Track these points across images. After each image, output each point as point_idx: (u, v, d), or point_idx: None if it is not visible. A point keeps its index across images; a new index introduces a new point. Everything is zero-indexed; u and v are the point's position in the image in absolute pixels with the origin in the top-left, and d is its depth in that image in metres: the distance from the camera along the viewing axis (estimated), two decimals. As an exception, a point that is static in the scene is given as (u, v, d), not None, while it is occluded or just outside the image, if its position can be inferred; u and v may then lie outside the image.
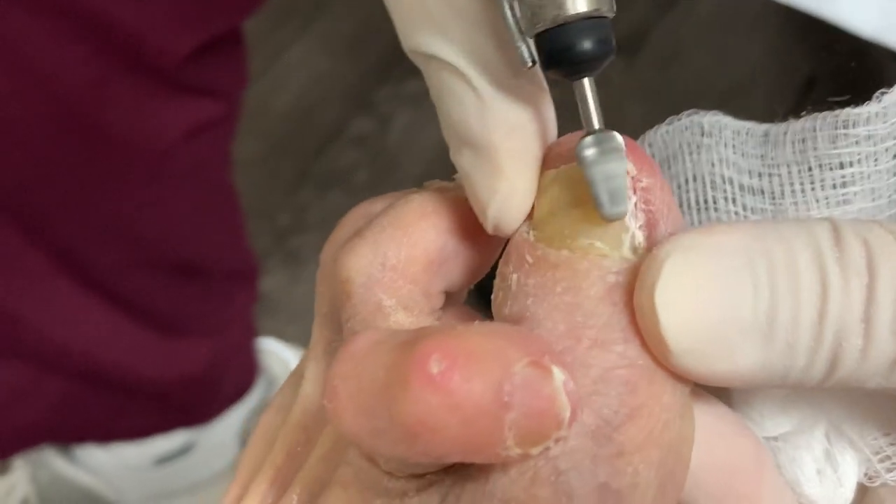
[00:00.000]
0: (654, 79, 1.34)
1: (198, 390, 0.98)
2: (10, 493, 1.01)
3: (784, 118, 0.29)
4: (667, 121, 0.30)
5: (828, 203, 0.28)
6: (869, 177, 0.28)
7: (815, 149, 0.28)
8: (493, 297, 0.27)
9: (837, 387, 0.24)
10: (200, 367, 0.96)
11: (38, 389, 0.92)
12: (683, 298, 0.23)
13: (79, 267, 0.87)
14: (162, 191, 0.85)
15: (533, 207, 0.26)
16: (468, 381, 0.22)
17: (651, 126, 0.30)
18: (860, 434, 0.27)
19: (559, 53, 0.24)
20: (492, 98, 0.26)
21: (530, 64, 0.25)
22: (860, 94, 0.29)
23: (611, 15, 0.24)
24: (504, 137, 0.26)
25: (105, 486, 1.01)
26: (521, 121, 0.26)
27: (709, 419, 0.26)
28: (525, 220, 0.26)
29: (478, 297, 0.31)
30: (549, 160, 0.27)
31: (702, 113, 0.30)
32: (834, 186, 0.28)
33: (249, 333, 1.02)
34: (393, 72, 1.39)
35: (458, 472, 0.25)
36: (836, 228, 0.24)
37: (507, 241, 0.27)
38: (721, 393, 0.27)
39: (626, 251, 0.25)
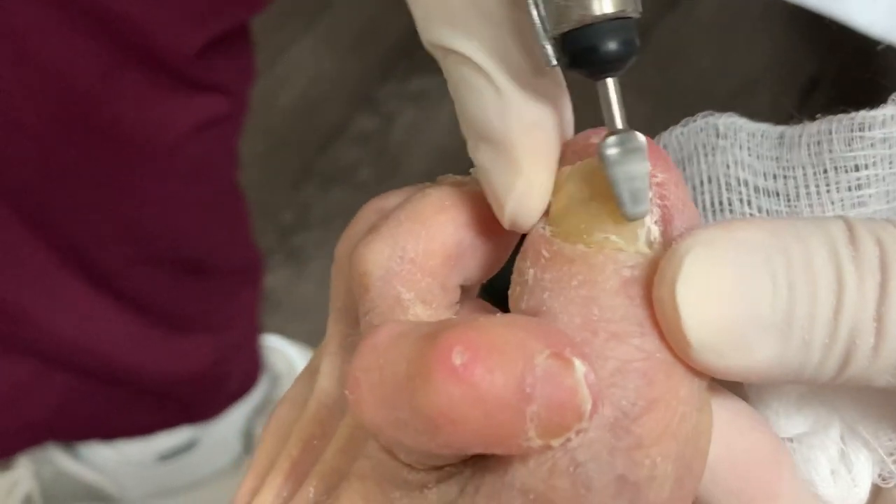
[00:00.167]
0: (656, 78, 1.34)
1: (202, 387, 0.99)
2: (14, 490, 1.01)
3: (791, 116, 0.29)
4: (682, 122, 0.30)
5: (843, 205, 0.28)
6: (884, 179, 0.28)
7: (830, 151, 0.28)
8: (510, 292, 0.27)
9: (847, 384, 0.25)
10: (204, 363, 0.96)
11: (42, 386, 0.92)
12: (704, 294, 0.24)
13: (84, 263, 0.87)
14: (168, 187, 0.85)
15: (549, 203, 0.27)
16: (490, 373, 0.22)
17: (653, 126, 0.30)
18: (874, 434, 0.27)
19: (584, 53, 0.24)
20: (512, 94, 0.26)
21: (554, 63, 0.25)
22: (864, 94, 0.29)
23: (636, 15, 0.24)
24: (523, 134, 0.26)
25: (108, 482, 1.02)
26: (540, 118, 0.26)
27: (727, 414, 0.26)
28: (541, 217, 0.27)
29: (484, 293, 0.31)
30: (564, 157, 0.27)
31: (717, 115, 0.30)
32: (849, 189, 0.28)
33: (253, 330, 1.02)
34: (396, 69, 1.39)
35: (477, 463, 0.25)
36: (850, 227, 0.24)
37: (523, 235, 0.27)
38: (737, 391, 0.27)
39: (642, 245, 0.25)
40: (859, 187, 0.28)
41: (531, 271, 0.26)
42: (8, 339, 0.89)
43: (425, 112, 1.36)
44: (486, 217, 0.28)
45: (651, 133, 0.27)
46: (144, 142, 0.80)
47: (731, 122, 0.29)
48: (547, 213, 0.26)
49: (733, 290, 0.24)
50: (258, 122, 0.98)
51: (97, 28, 0.73)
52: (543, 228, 0.26)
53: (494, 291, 0.31)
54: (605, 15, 0.24)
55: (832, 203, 0.28)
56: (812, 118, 0.29)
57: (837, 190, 0.28)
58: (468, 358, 0.22)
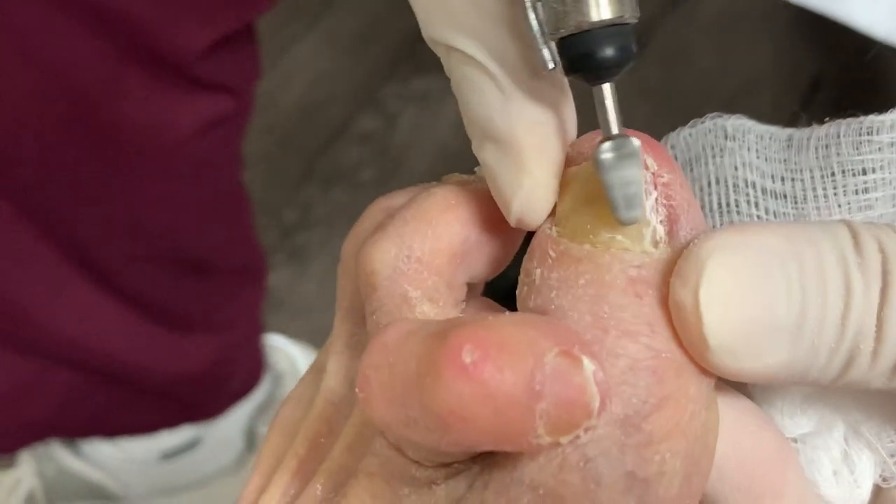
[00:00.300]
0: (658, 79, 1.34)
1: (204, 386, 0.99)
2: (16, 487, 1.01)
3: (794, 115, 0.29)
4: (690, 123, 0.30)
5: (849, 208, 0.28)
6: (891, 183, 0.28)
7: (838, 154, 0.28)
8: (517, 292, 0.27)
9: (844, 387, 0.25)
10: (207, 362, 0.96)
11: (45, 383, 0.92)
12: (724, 297, 0.24)
13: (87, 262, 0.87)
14: (172, 186, 0.85)
15: (555, 204, 0.27)
16: (500, 371, 0.22)
17: (654, 126, 0.30)
18: (878, 436, 0.27)
19: (581, 59, 0.25)
20: (515, 93, 0.26)
21: (551, 67, 0.25)
22: (865, 95, 0.29)
23: (633, 21, 0.25)
24: (527, 132, 0.26)
25: (111, 480, 1.02)
26: (543, 117, 0.26)
27: (734, 413, 0.26)
28: (548, 218, 0.27)
29: (486, 292, 0.31)
30: (569, 158, 0.27)
31: (725, 116, 0.30)
32: (856, 192, 0.28)
33: (256, 330, 1.03)
34: (399, 70, 1.40)
35: (486, 459, 0.25)
36: (854, 233, 0.25)
37: (528, 233, 0.27)
38: (742, 391, 0.27)
39: (648, 245, 0.25)
40: (866, 190, 0.28)
41: (538, 271, 0.26)
42: (10, 338, 0.89)
43: (427, 112, 1.36)
44: (491, 215, 0.28)
45: (653, 133, 0.27)
46: (148, 141, 0.80)
47: (739, 124, 0.30)
48: (553, 213, 0.27)
49: (752, 293, 0.24)
50: (260, 122, 0.98)
51: (101, 27, 0.73)
52: (550, 229, 0.26)
53: (496, 290, 0.31)
54: (602, 21, 0.24)
55: (839, 206, 0.28)
56: (814, 118, 0.30)
57: (845, 193, 0.28)
58: (478, 356, 0.22)
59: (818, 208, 0.29)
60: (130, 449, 1.01)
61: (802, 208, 0.29)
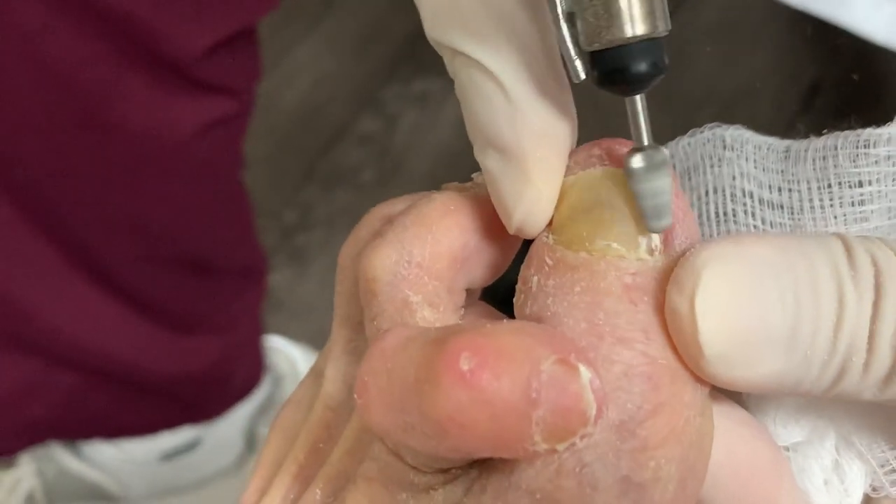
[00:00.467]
0: (658, 83, 1.34)
1: (205, 387, 0.99)
2: (16, 488, 1.01)
3: (793, 122, 0.30)
4: (688, 133, 0.31)
5: (846, 220, 0.29)
6: (887, 195, 0.28)
7: (835, 166, 0.28)
8: (515, 300, 0.27)
9: (836, 398, 0.25)
10: (208, 363, 0.96)
11: (46, 384, 0.92)
12: (720, 306, 0.24)
13: (89, 262, 0.87)
14: (173, 187, 0.85)
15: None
16: (497, 379, 0.22)
17: (655, 130, 0.30)
18: (868, 446, 0.28)
19: (615, 73, 0.25)
20: (523, 104, 0.26)
21: (583, 78, 0.25)
22: (865, 100, 0.29)
23: (665, 33, 0.25)
24: (533, 143, 0.26)
25: (111, 480, 1.02)
26: (551, 129, 0.26)
27: (728, 422, 0.26)
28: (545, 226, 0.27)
29: (483, 297, 0.31)
30: (567, 167, 0.27)
31: (724, 126, 0.30)
32: (852, 204, 0.28)
33: (257, 331, 1.03)
34: (399, 71, 1.40)
35: (484, 464, 0.25)
36: (848, 246, 0.25)
37: (527, 240, 0.28)
38: (736, 400, 0.28)
39: (643, 253, 0.26)
40: (862, 203, 0.28)
41: (535, 278, 0.26)
42: (12, 338, 0.89)
43: (428, 114, 1.36)
44: (490, 220, 0.28)
45: (653, 137, 0.28)
46: (150, 142, 0.80)
47: (738, 135, 0.30)
48: (550, 222, 0.27)
49: (747, 303, 0.24)
50: (261, 123, 0.98)
51: (103, 29, 0.74)
52: (547, 237, 0.27)
53: (494, 295, 0.31)
54: (637, 37, 0.24)
55: (835, 217, 0.29)
56: (813, 123, 0.30)
57: (841, 205, 0.29)
58: (476, 363, 0.22)
59: (814, 219, 0.29)
60: (131, 449, 1.01)
61: (799, 219, 0.29)
